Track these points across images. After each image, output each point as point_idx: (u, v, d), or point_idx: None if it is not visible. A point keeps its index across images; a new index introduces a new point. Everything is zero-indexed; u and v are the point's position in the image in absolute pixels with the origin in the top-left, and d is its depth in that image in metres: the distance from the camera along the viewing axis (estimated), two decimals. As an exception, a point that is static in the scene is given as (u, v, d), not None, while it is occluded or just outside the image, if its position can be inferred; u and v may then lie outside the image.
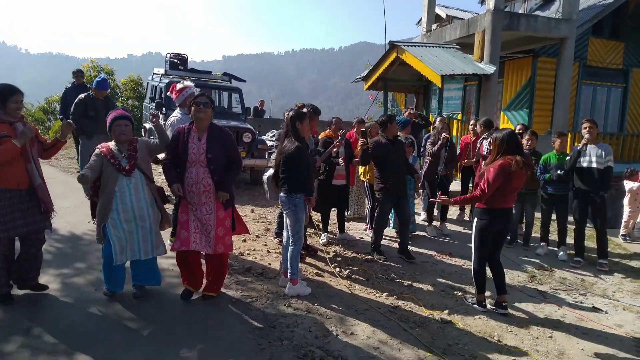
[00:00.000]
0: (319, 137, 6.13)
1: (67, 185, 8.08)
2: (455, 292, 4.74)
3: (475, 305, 4.40)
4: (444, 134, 6.59)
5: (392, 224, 6.68)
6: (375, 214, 5.75)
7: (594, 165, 5.65)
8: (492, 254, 4.38)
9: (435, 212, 7.23)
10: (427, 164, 6.80)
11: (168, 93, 5.60)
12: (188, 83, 5.37)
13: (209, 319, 3.78)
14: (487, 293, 4.47)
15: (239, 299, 4.17)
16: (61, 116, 9.08)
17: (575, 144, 10.44)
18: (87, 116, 6.78)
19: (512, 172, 4.04)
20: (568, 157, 5.86)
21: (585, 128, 5.71)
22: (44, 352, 3.14)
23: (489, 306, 4.38)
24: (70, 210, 6.41)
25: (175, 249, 4.00)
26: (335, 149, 5.49)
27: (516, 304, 4.55)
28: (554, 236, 6.56)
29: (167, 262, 4.79)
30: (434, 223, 6.97)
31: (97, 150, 3.85)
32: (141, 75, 18.99)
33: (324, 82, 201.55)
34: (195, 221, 3.97)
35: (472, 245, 4.37)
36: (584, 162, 5.72)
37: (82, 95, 6.99)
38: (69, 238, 5.43)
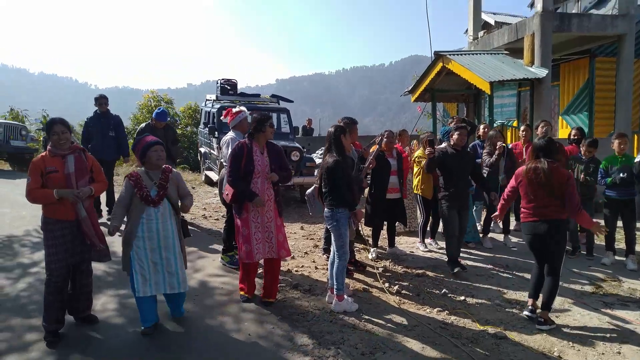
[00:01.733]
0: (370, 151, 6.13)
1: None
2: (512, 306, 4.52)
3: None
4: (499, 143, 6.38)
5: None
6: (442, 225, 5.69)
7: None
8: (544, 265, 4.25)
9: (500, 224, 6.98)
10: (485, 175, 6.59)
11: (222, 117, 5.88)
12: (242, 108, 5.60)
13: (257, 336, 3.82)
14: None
15: (286, 316, 4.18)
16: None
17: (644, 145, 9.81)
18: None
19: (522, 180, 4.18)
20: (638, 160, 5.48)
21: None
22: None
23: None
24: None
25: (241, 260, 4.38)
26: (371, 165, 5.45)
27: (578, 317, 4.27)
28: (620, 245, 6.12)
29: (218, 281, 4.92)
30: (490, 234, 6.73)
31: (126, 179, 3.79)
32: (199, 102, 19.88)
33: (375, 98, 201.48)
34: (257, 233, 4.26)
35: None
36: None
37: (143, 125, 7.45)
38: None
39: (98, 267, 4.47)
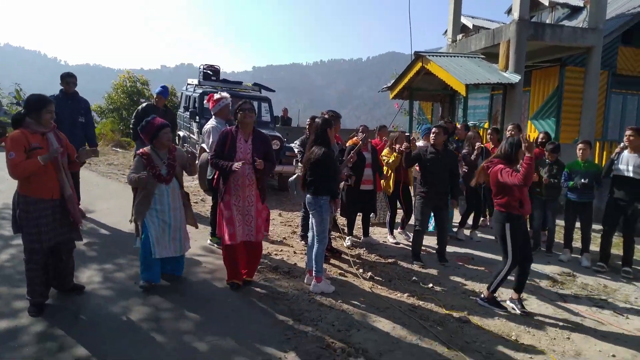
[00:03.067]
0: (346, 145, 6.39)
1: (106, 189, 8.55)
2: (476, 295, 4.87)
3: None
4: (478, 144, 6.74)
5: (431, 227, 6.79)
6: (415, 220, 5.95)
7: (631, 174, 5.57)
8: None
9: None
10: (463, 173, 6.93)
11: (205, 103, 5.97)
12: (224, 94, 5.71)
13: (238, 311, 4.05)
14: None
15: (267, 295, 4.43)
16: None
17: (604, 152, 10.42)
18: None
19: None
20: (606, 165, 5.90)
21: (626, 135, 5.63)
22: (87, 335, 3.47)
23: (508, 305, 4.52)
24: (111, 211, 6.84)
25: (224, 242, 4.47)
26: (352, 160, 5.67)
27: (535, 307, 4.66)
28: (577, 244, 6.60)
29: (201, 259, 5.11)
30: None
31: (138, 157, 4.21)
32: (174, 85, 19.72)
33: (351, 92, 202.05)
34: (238, 215, 4.43)
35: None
36: (622, 171, 5.66)
37: (144, 104, 7.38)
38: (110, 236, 5.81)
39: (80, 243, 4.58)
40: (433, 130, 5.77)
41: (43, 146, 3.60)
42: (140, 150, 4.31)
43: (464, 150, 6.97)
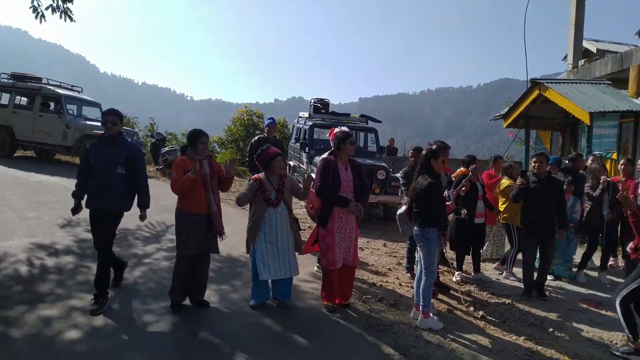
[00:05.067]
0: (453, 176, 6.23)
1: (225, 214, 9.14)
2: (603, 343, 4.39)
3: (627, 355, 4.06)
4: (603, 177, 6.20)
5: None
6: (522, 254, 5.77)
7: None
8: None
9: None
10: (587, 209, 6.43)
11: (327, 135, 6.31)
12: (344, 128, 5.95)
13: (344, 340, 4.08)
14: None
15: (372, 326, 4.40)
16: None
17: None
18: None
19: None
20: None
21: None
22: (207, 350, 3.73)
23: None
24: (229, 235, 7.28)
25: (324, 266, 4.71)
26: (464, 188, 5.57)
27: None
28: None
29: (308, 286, 5.26)
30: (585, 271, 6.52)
31: (252, 182, 4.61)
32: (286, 117, 20.82)
33: (460, 120, 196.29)
34: (340, 242, 4.62)
35: None
36: None
37: (257, 137, 7.95)
38: (227, 259, 6.22)
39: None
40: (534, 160, 5.63)
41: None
42: (255, 175, 4.69)
43: (587, 184, 6.40)
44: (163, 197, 9.66)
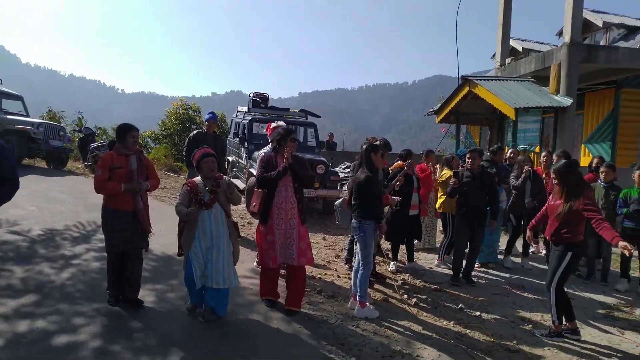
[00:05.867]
0: (390, 169, 6.42)
1: (160, 212, 8.91)
2: (526, 324, 4.71)
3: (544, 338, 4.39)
4: (526, 167, 6.62)
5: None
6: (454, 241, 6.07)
7: None
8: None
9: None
10: (512, 198, 6.83)
11: (264, 130, 6.24)
12: (281, 123, 5.93)
13: (283, 334, 4.11)
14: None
15: (311, 317, 4.46)
16: None
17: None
18: (198, 148, 7.46)
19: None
20: None
21: None
22: (143, 351, 3.62)
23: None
24: (163, 233, 7.10)
25: (265, 265, 4.57)
26: (398, 183, 5.76)
27: (589, 338, 4.45)
28: (635, 273, 6.25)
29: (248, 282, 5.23)
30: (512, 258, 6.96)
31: (184, 186, 4.31)
32: (225, 112, 20.44)
33: (396, 116, 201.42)
34: (280, 238, 4.51)
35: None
36: None
37: (195, 132, 7.69)
38: (162, 258, 6.05)
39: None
40: (468, 156, 5.98)
41: (124, 166, 4.20)
42: (189, 179, 4.49)
43: (512, 174, 6.82)
44: (93, 196, 9.20)
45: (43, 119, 15.19)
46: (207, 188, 4.27)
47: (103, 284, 4.60)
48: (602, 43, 13.92)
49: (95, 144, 13.42)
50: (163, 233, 7.14)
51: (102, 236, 4.53)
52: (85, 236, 6.68)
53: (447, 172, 6.59)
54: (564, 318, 4.44)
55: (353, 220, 4.70)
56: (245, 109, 11.51)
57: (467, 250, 5.99)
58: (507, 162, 7.50)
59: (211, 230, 4.21)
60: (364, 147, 4.78)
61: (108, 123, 20.65)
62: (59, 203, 8.65)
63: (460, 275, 5.92)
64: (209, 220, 4.22)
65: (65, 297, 4.55)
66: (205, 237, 4.20)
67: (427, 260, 6.93)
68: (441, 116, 12.30)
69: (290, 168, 4.50)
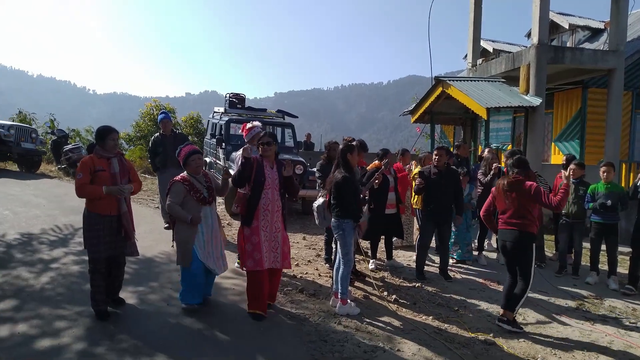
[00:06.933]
0: (367, 168, 6.53)
1: (138, 215, 8.79)
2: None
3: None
4: (495, 164, 6.82)
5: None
6: (418, 237, 6.20)
7: None
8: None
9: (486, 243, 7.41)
10: (479, 194, 7.01)
11: (240, 131, 6.23)
12: (256, 123, 5.96)
13: (267, 332, 4.17)
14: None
15: (294, 316, 4.54)
16: None
17: (631, 174, 10.30)
18: (157, 153, 7.44)
19: (497, 194, 4.73)
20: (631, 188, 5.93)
21: None
22: (127, 353, 3.63)
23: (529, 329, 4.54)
24: (142, 236, 7.04)
25: (251, 268, 4.38)
26: (377, 181, 5.86)
27: (562, 329, 4.65)
28: (604, 266, 6.53)
29: (229, 282, 5.27)
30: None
31: (179, 184, 4.34)
32: (200, 112, 20.29)
33: (372, 116, 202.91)
34: (266, 241, 4.45)
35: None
36: None
37: (153, 138, 7.60)
38: (142, 260, 6.00)
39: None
40: (435, 152, 6.15)
41: (105, 169, 4.15)
42: (180, 176, 4.45)
43: (480, 171, 7.02)
44: (69, 199, 9.11)
45: (13, 121, 14.83)
46: (202, 185, 4.45)
47: (84, 287, 4.58)
48: (568, 44, 14.39)
49: (69, 146, 13.19)
50: (142, 235, 7.09)
51: (81, 239, 4.49)
52: (63, 240, 6.59)
53: (417, 170, 6.76)
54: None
55: (332, 219, 4.80)
56: (221, 109, 11.48)
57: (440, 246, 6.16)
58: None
59: (213, 223, 4.47)
60: (341, 147, 4.90)
61: (81, 124, 20.25)
62: (34, 207, 8.49)
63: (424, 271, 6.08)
64: (211, 215, 4.47)
65: (45, 300, 4.51)
66: (208, 230, 4.42)
67: (405, 257, 7.08)
68: (416, 116, 12.50)
69: (289, 178, 4.66)
